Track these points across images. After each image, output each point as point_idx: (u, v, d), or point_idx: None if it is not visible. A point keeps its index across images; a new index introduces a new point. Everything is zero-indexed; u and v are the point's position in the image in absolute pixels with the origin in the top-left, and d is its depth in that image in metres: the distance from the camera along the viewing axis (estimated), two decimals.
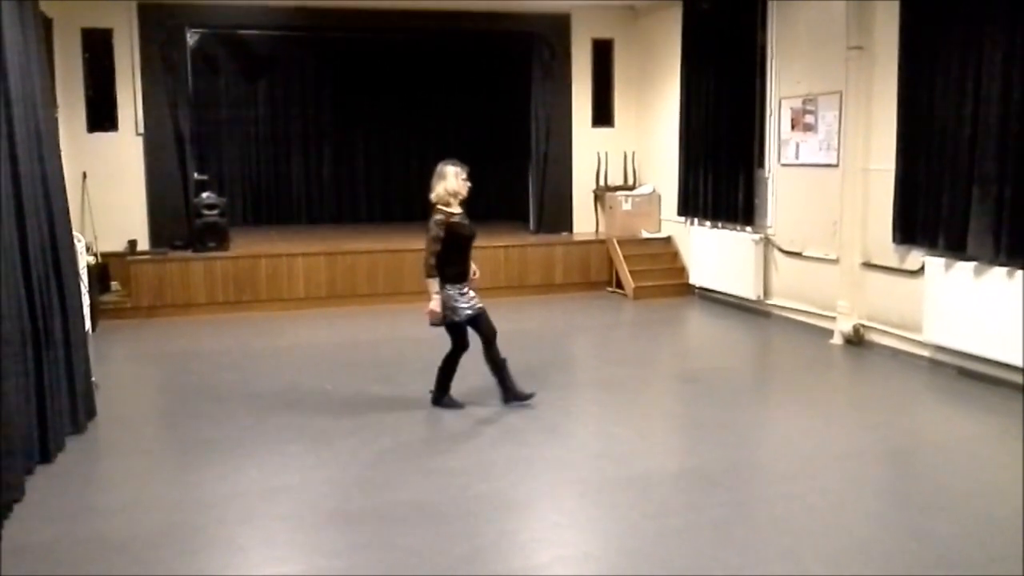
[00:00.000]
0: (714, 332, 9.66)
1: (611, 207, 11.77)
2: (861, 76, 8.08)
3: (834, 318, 8.46)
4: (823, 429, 6.02)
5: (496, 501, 4.83)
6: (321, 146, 14.79)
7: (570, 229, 12.27)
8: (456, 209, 6.19)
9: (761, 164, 9.70)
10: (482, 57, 13.69)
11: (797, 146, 9.13)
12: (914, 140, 7.42)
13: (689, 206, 10.89)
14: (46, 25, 8.85)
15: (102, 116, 10.75)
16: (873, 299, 8.14)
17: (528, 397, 6.42)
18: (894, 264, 7.86)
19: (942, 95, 7.10)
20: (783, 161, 9.37)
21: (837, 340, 8.35)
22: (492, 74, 13.98)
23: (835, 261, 8.55)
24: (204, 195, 10.66)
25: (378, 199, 15.03)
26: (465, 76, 14.28)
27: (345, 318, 9.97)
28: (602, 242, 11.65)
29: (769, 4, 9.45)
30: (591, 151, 12.25)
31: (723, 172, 10.14)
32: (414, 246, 10.95)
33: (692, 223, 10.96)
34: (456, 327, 6.26)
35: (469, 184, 6.25)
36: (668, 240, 11.69)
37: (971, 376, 6.98)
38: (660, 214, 11.83)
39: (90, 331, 6.83)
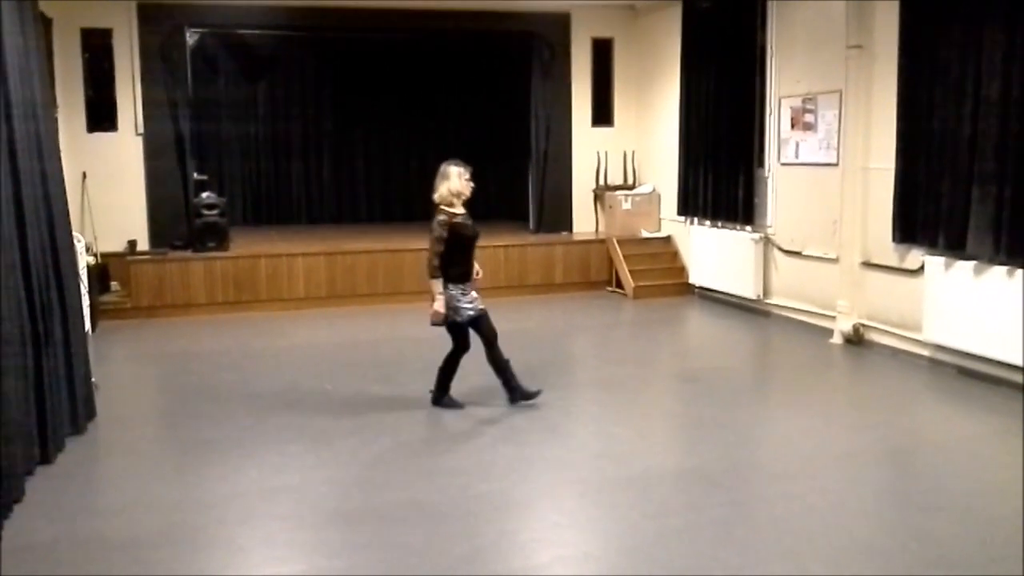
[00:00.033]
0: (714, 331, 9.66)
1: (611, 206, 11.77)
2: (861, 75, 8.08)
3: (834, 317, 8.46)
4: (823, 429, 6.02)
5: (496, 501, 4.83)
6: (321, 146, 14.78)
7: (570, 229, 12.27)
8: (459, 209, 6.19)
9: (761, 163, 9.70)
10: (482, 57, 13.69)
11: (797, 145, 9.13)
12: (914, 139, 7.42)
13: (689, 205, 10.89)
14: (46, 25, 8.86)
15: (102, 116, 10.74)
16: (873, 298, 8.14)
17: (535, 395, 6.42)
18: (894, 263, 7.86)
19: (942, 94, 7.10)
20: (783, 160, 9.37)
21: (837, 339, 8.35)
22: (492, 74, 13.97)
23: (835, 260, 8.55)
24: (204, 195, 10.66)
25: (378, 199, 15.02)
26: (465, 76, 14.28)
27: (345, 318, 9.97)
28: (602, 242, 11.65)
29: (769, 3, 9.45)
30: (591, 150, 12.25)
31: (723, 171, 10.14)
32: (414, 246, 10.96)
33: (692, 222, 10.96)
34: (457, 327, 6.26)
35: (472, 184, 6.25)
36: (668, 239, 11.69)
37: (971, 375, 6.98)
38: (660, 213, 11.83)
39: (90, 331, 6.83)
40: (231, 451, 5.64)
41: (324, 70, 14.45)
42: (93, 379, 6.35)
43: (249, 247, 10.92)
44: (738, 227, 10.02)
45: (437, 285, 6.08)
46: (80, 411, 5.91)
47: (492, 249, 10.70)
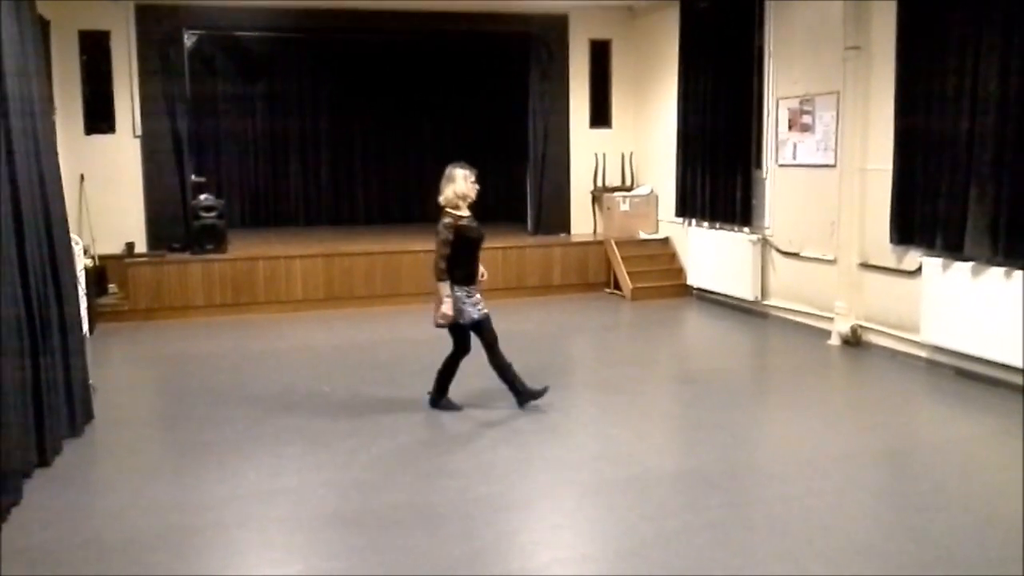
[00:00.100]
0: (712, 333, 9.66)
1: (609, 208, 11.77)
2: (858, 76, 8.09)
3: (832, 319, 8.46)
4: (821, 430, 6.02)
5: (495, 503, 4.83)
6: (319, 148, 14.79)
7: (568, 230, 12.27)
8: (464, 212, 6.19)
9: (758, 164, 9.71)
10: (480, 58, 13.70)
11: (794, 146, 9.13)
12: (911, 140, 7.43)
13: (687, 207, 10.90)
14: (43, 27, 8.84)
15: (99, 118, 10.73)
16: (871, 300, 8.15)
17: (541, 393, 6.42)
18: (892, 264, 7.87)
19: (939, 95, 7.11)
20: (780, 161, 9.38)
21: (835, 341, 8.35)
22: (490, 75, 13.98)
23: (833, 262, 8.55)
24: (202, 197, 10.65)
25: (376, 201, 15.04)
26: (463, 77, 14.29)
27: (343, 320, 9.97)
28: (600, 243, 11.65)
29: (766, 4, 9.45)
30: (589, 152, 12.25)
31: (721, 173, 10.14)
32: (412, 248, 10.98)
33: (690, 224, 10.96)
34: (460, 329, 6.27)
35: (478, 187, 6.25)
36: (666, 241, 11.70)
37: (969, 376, 6.98)
38: (658, 215, 11.84)
39: (87, 334, 6.82)
40: (229, 453, 5.63)
41: (322, 72, 14.45)
42: (91, 381, 6.34)
43: (247, 249, 10.92)
44: (736, 228, 10.02)
45: (444, 287, 6.08)
46: (78, 414, 5.90)
47: (490, 251, 10.62)
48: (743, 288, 9.87)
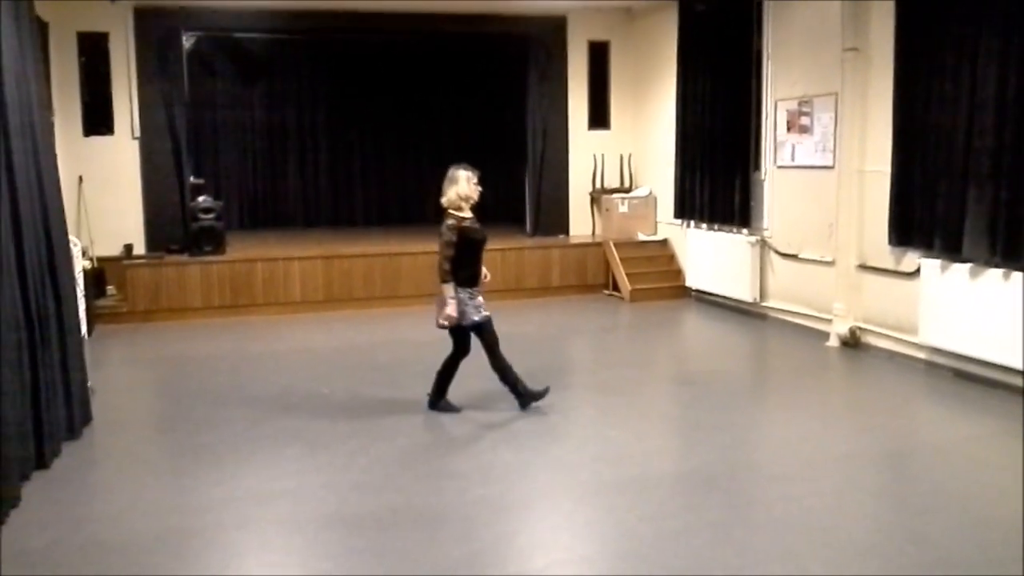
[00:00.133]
0: (710, 334, 9.66)
1: (607, 210, 11.78)
2: (857, 78, 8.09)
3: (830, 320, 8.46)
4: (820, 431, 6.02)
5: (493, 504, 4.83)
6: (317, 149, 14.80)
7: (566, 232, 12.26)
8: (467, 213, 6.19)
9: (757, 166, 9.71)
10: (478, 60, 13.71)
11: (793, 148, 9.14)
12: (910, 142, 7.43)
13: (685, 208, 10.90)
14: (42, 29, 8.84)
15: (98, 120, 10.72)
16: (869, 301, 8.15)
17: (543, 394, 6.43)
18: (890, 266, 7.87)
19: (937, 96, 7.11)
20: (779, 163, 9.39)
21: (833, 342, 8.36)
22: (488, 77, 13.99)
23: (831, 263, 8.56)
24: (200, 199, 10.65)
25: (375, 202, 15.05)
26: (461, 79, 14.30)
27: (342, 322, 9.97)
28: (598, 245, 11.65)
29: (765, 6, 9.46)
30: (587, 153, 12.25)
31: (719, 174, 10.14)
32: (411, 249, 10.98)
33: (688, 225, 10.97)
34: (461, 331, 6.26)
35: (480, 188, 6.25)
36: (664, 243, 11.70)
37: (967, 378, 6.99)
38: (656, 216, 11.84)
39: (86, 336, 6.83)
40: (227, 455, 5.63)
41: (321, 73, 14.46)
42: (89, 383, 6.33)
43: (245, 251, 10.91)
44: (734, 230, 10.03)
45: (449, 289, 6.08)
46: (76, 415, 5.90)
47: (489, 252, 10.42)
48: (742, 290, 9.87)
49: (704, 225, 10.63)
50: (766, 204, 9.62)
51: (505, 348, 6.34)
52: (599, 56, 12.34)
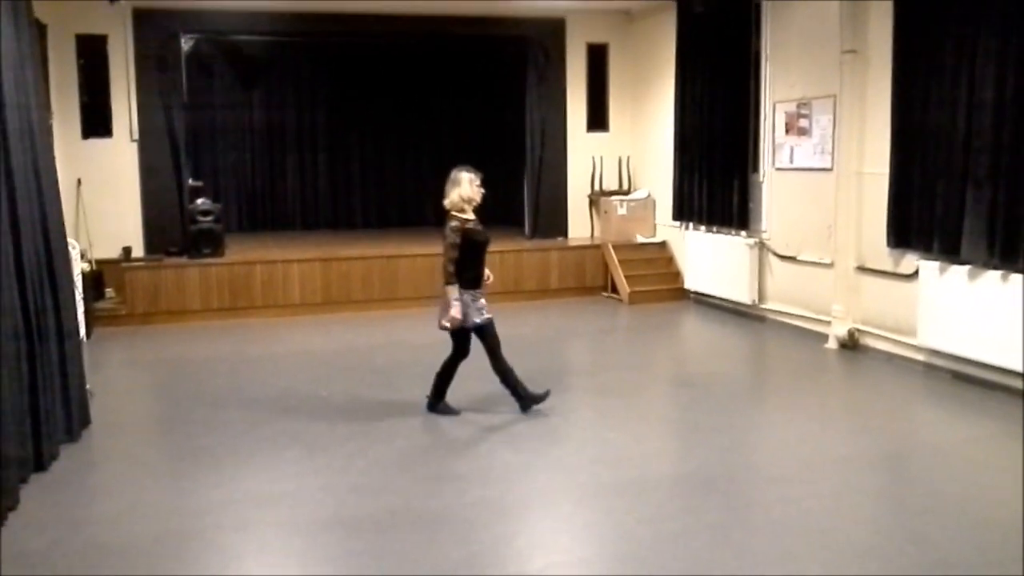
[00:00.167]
0: (709, 337, 9.66)
1: (606, 212, 11.78)
2: (855, 80, 8.10)
3: (829, 322, 8.47)
4: (819, 433, 6.02)
5: (492, 506, 4.83)
6: (316, 152, 14.80)
7: (565, 234, 12.27)
8: (470, 215, 6.19)
9: (755, 168, 9.72)
10: (477, 62, 13.72)
11: (791, 150, 9.15)
12: (908, 144, 7.44)
13: (684, 211, 10.91)
14: (40, 31, 8.80)
15: (97, 122, 10.72)
16: (868, 303, 8.16)
17: (543, 397, 6.43)
18: (888, 268, 7.88)
19: (936, 99, 7.12)
20: (777, 165, 9.39)
21: (832, 344, 8.36)
22: (487, 79, 14.01)
23: (830, 265, 8.56)
24: (199, 201, 10.64)
25: (373, 205, 15.04)
26: (460, 81, 14.32)
27: (340, 324, 9.96)
28: (597, 247, 11.66)
29: (763, 8, 9.47)
30: (586, 156, 12.26)
31: (718, 176, 10.15)
32: (409, 252, 10.99)
33: (687, 228, 10.98)
34: (462, 333, 6.26)
35: (483, 190, 6.25)
36: (663, 245, 11.70)
37: (966, 380, 6.99)
38: (655, 219, 11.85)
39: (85, 338, 6.82)
40: (226, 458, 5.62)
41: (319, 76, 14.47)
42: (88, 386, 6.33)
43: (244, 253, 10.91)
44: (733, 232, 10.03)
45: (453, 291, 6.07)
46: (75, 418, 5.89)
47: (488, 255, 10.66)
48: (740, 292, 9.87)
49: (703, 227, 10.64)
50: (765, 206, 9.63)
51: (504, 350, 6.33)
52: (598, 58, 12.35)
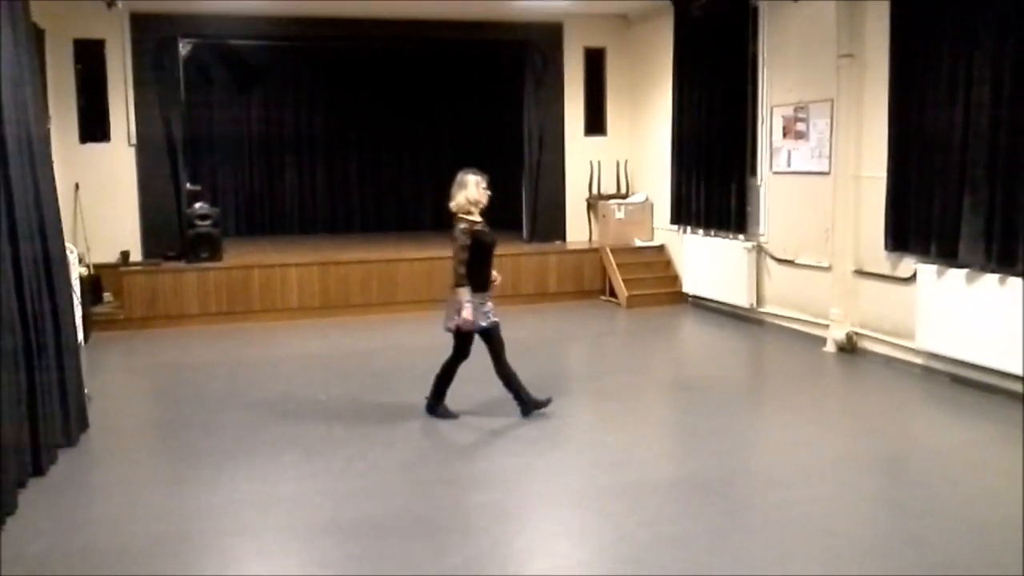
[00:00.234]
0: (707, 340, 9.67)
1: (604, 215, 11.79)
2: (852, 83, 8.11)
3: (827, 326, 8.47)
4: (817, 436, 6.02)
5: (490, 511, 4.83)
6: (314, 156, 14.80)
7: (563, 238, 12.28)
8: (477, 217, 6.19)
9: (753, 172, 9.73)
10: (475, 66, 13.73)
11: (789, 154, 9.16)
12: (905, 147, 7.45)
13: (682, 214, 10.91)
14: (38, 36, 8.84)
15: (94, 127, 10.72)
16: (866, 307, 8.16)
17: (545, 404, 6.43)
18: (886, 271, 7.88)
19: (933, 102, 7.13)
20: (775, 169, 9.40)
21: (830, 348, 8.36)
22: (485, 83, 14.02)
23: (828, 269, 8.57)
24: (197, 206, 10.63)
25: (371, 208, 15.05)
26: (458, 85, 14.33)
27: (339, 328, 9.96)
28: (595, 251, 11.66)
29: (760, 12, 9.49)
30: (584, 160, 12.27)
31: (715, 180, 10.16)
32: (407, 256, 10.99)
33: (685, 231, 10.98)
34: (466, 336, 6.25)
35: (489, 193, 6.25)
36: (661, 248, 11.71)
37: (964, 383, 6.99)
38: (653, 222, 11.86)
39: (83, 342, 6.82)
40: (224, 461, 5.62)
41: (317, 80, 14.47)
42: (86, 390, 6.33)
43: (242, 257, 10.91)
44: (731, 236, 10.04)
45: (464, 293, 6.06)
46: (73, 422, 5.88)
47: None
48: (738, 295, 9.88)
49: (700, 231, 10.64)
50: (762, 210, 9.63)
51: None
52: (595, 62, 12.37)
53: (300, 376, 7.91)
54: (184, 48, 11.10)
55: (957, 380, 7.07)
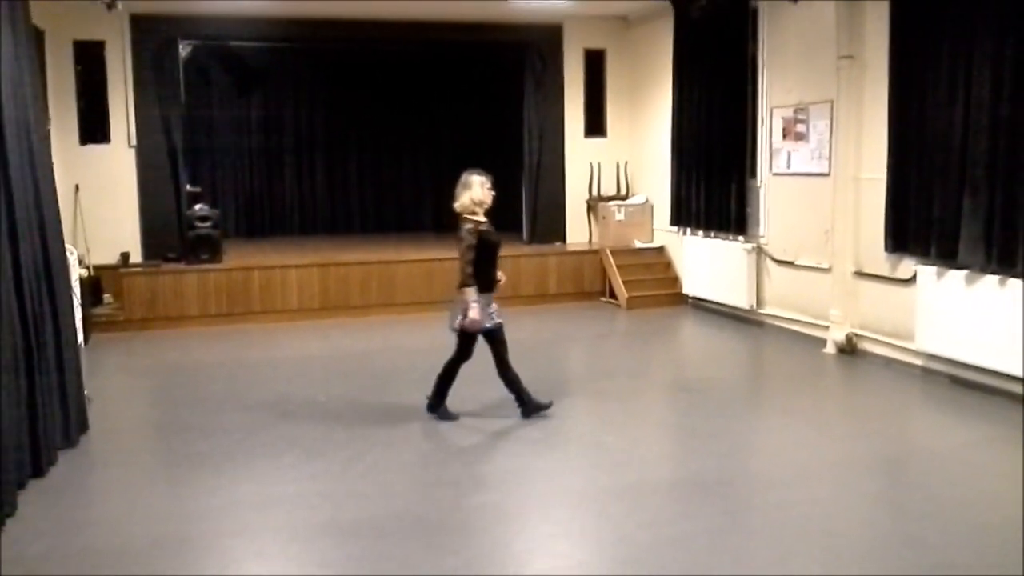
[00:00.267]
0: (707, 342, 9.67)
1: (604, 217, 11.80)
2: (852, 85, 8.12)
3: (827, 327, 8.47)
4: (816, 438, 6.02)
5: (490, 512, 4.83)
6: (314, 157, 14.80)
7: (563, 239, 12.28)
8: (482, 218, 6.19)
9: (753, 173, 9.73)
10: (475, 68, 13.74)
11: (789, 155, 9.16)
12: (905, 149, 7.45)
13: (682, 216, 10.91)
14: (38, 37, 8.84)
15: (94, 128, 10.73)
16: (866, 308, 8.16)
17: (546, 407, 6.43)
18: (886, 273, 7.88)
19: (932, 104, 7.14)
20: (775, 170, 9.40)
21: (830, 349, 8.36)
22: (485, 84, 14.02)
23: (827, 270, 8.57)
24: (197, 207, 10.64)
25: (371, 210, 15.04)
26: (458, 86, 14.33)
27: (338, 329, 9.96)
28: (595, 252, 11.66)
29: (760, 14, 9.49)
30: (584, 161, 12.28)
31: (715, 181, 10.16)
32: (407, 257, 10.99)
33: (685, 233, 10.98)
34: (470, 336, 6.25)
35: (494, 193, 6.25)
36: (661, 250, 11.71)
37: (963, 384, 6.99)
38: (653, 224, 11.86)
39: (82, 344, 6.81)
40: (224, 463, 5.62)
41: (317, 81, 14.47)
42: (85, 392, 6.33)
43: (242, 259, 10.91)
44: (731, 237, 10.04)
45: (471, 293, 6.05)
46: (72, 424, 5.89)
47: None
48: (738, 297, 9.88)
49: (700, 232, 10.65)
50: (762, 211, 9.64)
51: None
52: (595, 64, 12.38)
53: (300, 377, 7.91)
54: (184, 50, 11.12)
55: (957, 381, 7.07)
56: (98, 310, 10.03)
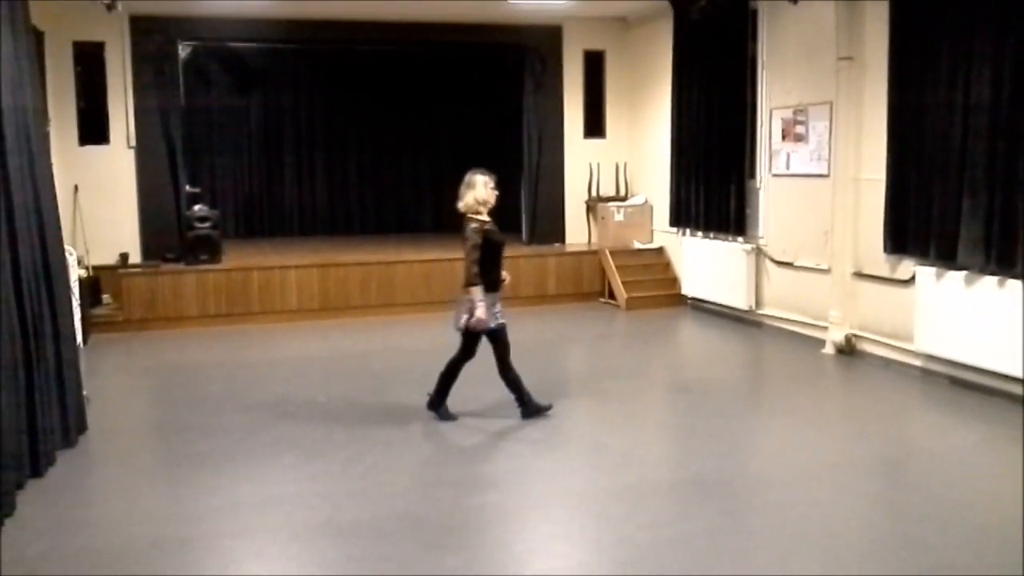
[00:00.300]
0: (706, 342, 9.67)
1: (603, 218, 11.80)
2: (851, 86, 8.12)
3: (826, 328, 8.47)
4: (816, 439, 6.02)
5: (489, 512, 4.83)
6: (313, 158, 14.81)
7: (562, 240, 12.29)
8: (485, 217, 6.19)
9: (752, 174, 9.74)
10: (474, 69, 13.75)
11: (788, 156, 9.16)
12: (904, 150, 7.46)
13: (681, 217, 10.92)
14: (37, 38, 8.83)
15: (94, 129, 10.73)
16: (865, 309, 8.17)
17: (546, 409, 6.43)
18: (885, 274, 7.89)
19: (932, 105, 7.14)
20: (774, 171, 9.41)
21: (829, 350, 8.37)
22: (484, 85, 14.03)
23: (827, 271, 8.57)
24: (196, 208, 10.64)
25: (371, 211, 15.05)
26: (458, 88, 14.33)
27: (338, 330, 9.96)
28: (594, 253, 11.66)
29: (759, 15, 9.50)
30: (583, 162, 12.28)
31: (714, 182, 10.17)
32: (407, 258, 10.99)
33: (684, 233, 10.99)
34: (474, 336, 6.24)
35: (497, 193, 6.25)
36: (660, 251, 11.71)
37: (963, 385, 6.99)
38: (652, 225, 11.86)
39: (81, 344, 6.81)
40: (223, 463, 5.62)
41: (317, 82, 14.48)
42: (84, 392, 6.32)
43: (242, 259, 10.91)
44: (730, 238, 10.04)
45: (477, 292, 6.05)
46: (71, 424, 5.88)
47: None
48: (737, 298, 9.88)
49: (700, 233, 10.65)
50: (761, 212, 9.64)
51: None
52: (595, 65, 12.39)
53: (299, 378, 7.91)
54: (184, 50, 11.12)
55: (956, 382, 7.07)
56: (97, 310, 10.03)
